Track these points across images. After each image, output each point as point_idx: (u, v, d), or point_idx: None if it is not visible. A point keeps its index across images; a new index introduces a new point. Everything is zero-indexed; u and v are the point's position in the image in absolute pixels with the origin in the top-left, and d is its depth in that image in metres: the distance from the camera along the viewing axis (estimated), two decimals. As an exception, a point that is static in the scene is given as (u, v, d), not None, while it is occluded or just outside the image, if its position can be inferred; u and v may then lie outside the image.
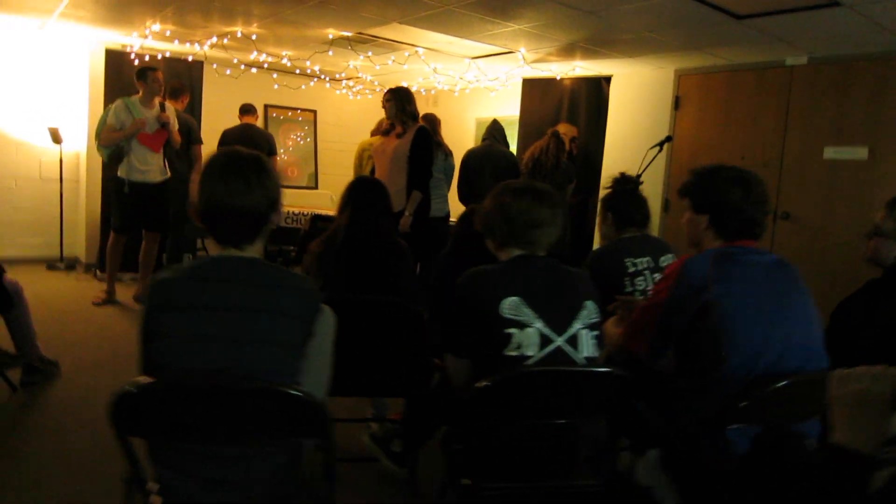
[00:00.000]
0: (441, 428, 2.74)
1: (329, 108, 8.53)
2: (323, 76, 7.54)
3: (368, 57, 5.90)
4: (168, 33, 5.75)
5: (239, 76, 6.90)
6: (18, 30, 6.26)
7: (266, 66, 6.84)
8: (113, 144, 5.23)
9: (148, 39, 6.01)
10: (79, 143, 6.72)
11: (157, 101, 5.37)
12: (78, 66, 6.60)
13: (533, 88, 6.25)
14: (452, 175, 5.90)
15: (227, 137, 6.25)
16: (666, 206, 5.98)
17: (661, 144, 5.26)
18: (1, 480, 2.58)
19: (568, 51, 5.57)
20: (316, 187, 8.39)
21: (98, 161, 6.38)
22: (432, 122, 5.70)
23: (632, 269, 2.91)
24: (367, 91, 8.26)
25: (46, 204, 6.75)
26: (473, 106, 8.07)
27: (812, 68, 5.09)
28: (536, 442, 1.90)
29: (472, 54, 5.98)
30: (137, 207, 5.32)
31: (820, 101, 5.04)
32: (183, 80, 6.41)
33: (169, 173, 5.56)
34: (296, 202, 7.25)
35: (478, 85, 7.26)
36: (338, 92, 8.18)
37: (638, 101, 6.13)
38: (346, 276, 2.59)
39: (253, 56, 6.41)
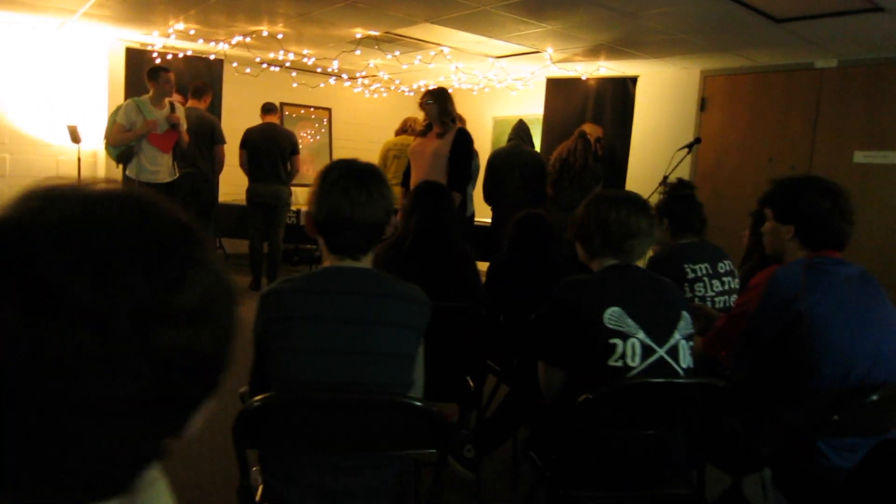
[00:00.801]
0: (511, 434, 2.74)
1: (344, 107, 8.50)
2: (343, 75, 7.51)
3: (396, 56, 5.88)
4: (192, 32, 5.71)
5: (258, 74, 6.86)
6: (37, 29, 6.19)
7: (288, 64, 6.81)
8: (122, 144, 5.19)
9: (170, 38, 5.96)
10: (97, 142, 6.66)
11: (166, 101, 5.33)
12: (97, 64, 6.55)
13: (557, 88, 6.25)
14: (477, 175, 5.90)
15: (251, 136, 6.21)
16: (691, 207, 5.99)
17: (690, 146, 5.28)
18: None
19: (595, 51, 5.57)
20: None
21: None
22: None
23: (691, 276, 2.91)
24: (382, 89, 8.22)
25: (64, 203, 6.68)
26: (491, 105, 8.06)
27: (841, 71, 5.11)
28: (631, 451, 1.89)
29: (497, 54, 5.97)
30: None
31: (850, 104, 5.06)
32: (204, 78, 6.37)
33: (178, 173, 5.52)
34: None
35: (495, 84, 7.24)
36: (356, 90, 8.14)
37: (663, 101, 6.14)
38: (418, 282, 2.58)
39: (272, 55, 6.38)
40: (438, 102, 4.73)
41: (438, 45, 5.70)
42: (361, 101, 8.52)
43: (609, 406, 1.77)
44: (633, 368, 1.81)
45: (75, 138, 6.47)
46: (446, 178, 4.68)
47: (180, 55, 6.33)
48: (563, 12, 4.42)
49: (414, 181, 4.95)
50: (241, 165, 6.36)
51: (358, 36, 5.44)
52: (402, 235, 2.71)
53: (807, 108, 5.30)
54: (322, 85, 7.54)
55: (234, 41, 5.85)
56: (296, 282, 1.58)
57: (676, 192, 3.09)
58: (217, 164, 6.05)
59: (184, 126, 5.38)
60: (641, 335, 1.82)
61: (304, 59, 6.60)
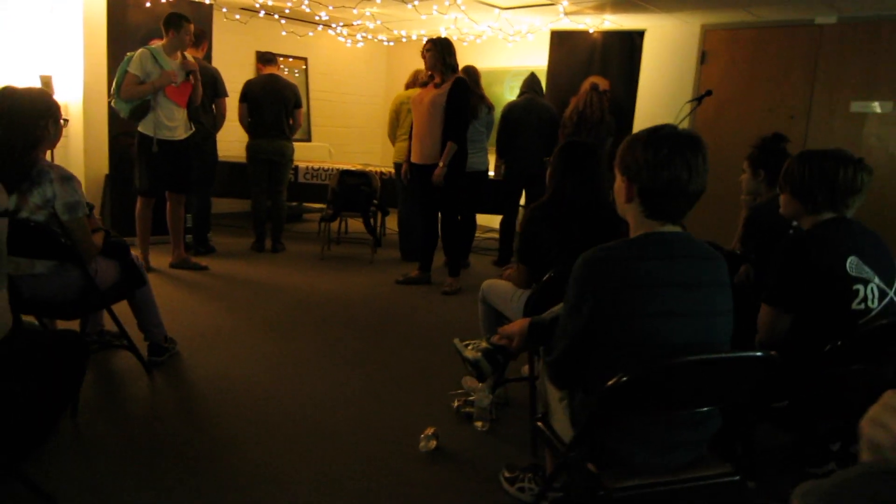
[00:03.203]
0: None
1: (320, 56, 8.19)
2: (333, 24, 7.20)
3: (415, 6, 5.73)
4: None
5: (247, 21, 6.49)
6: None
7: (275, 14, 6.47)
8: (137, 98, 4.81)
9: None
10: (72, 94, 6.14)
11: (179, 52, 4.99)
12: (71, 10, 5.97)
13: (562, 41, 6.30)
14: (492, 129, 5.93)
15: (252, 89, 5.92)
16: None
17: (699, 99, 5.49)
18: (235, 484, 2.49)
19: (605, 4, 5.66)
20: (309, 140, 8.10)
21: (99, 115, 5.90)
22: (472, 74, 5.66)
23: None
24: (359, 39, 7.97)
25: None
26: (478, 57, 8.00)
27: (840, 27, 5.47)
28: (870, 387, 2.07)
29: (506, 5, 5.94)
30: (166, 167, 4.98)
31: (849, 58, 5.44)
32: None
33: (193, 128, 5.21)
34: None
35: (490, 36, 7.18)
36: (339, 39, 7.82)
37: (665, 55, 6.35)
38: (582, 243, 2.63)
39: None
40: (437, 51, 4.74)
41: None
42: (337, 50, 8.23)
43: (858, 347, 1.95)
44: (871, 310, 1.99)
45: (48, 90, 5.94)
46: (442, 127, 4.72)
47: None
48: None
49: (414, 132, 4.97)
50: (241, 120, 6.07)
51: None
52: (556, 196, 2.73)
53: (806, 62, 5.66)
54: (311, 34, 7.23)
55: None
56: (622, 249, 1.62)
57: (772, 146, 3.27)
58: (219, 119, 5.73)
59: (198, 77, 5.06)
60: (877, 280, 2.00)
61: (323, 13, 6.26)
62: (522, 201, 6.10)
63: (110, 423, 2.73)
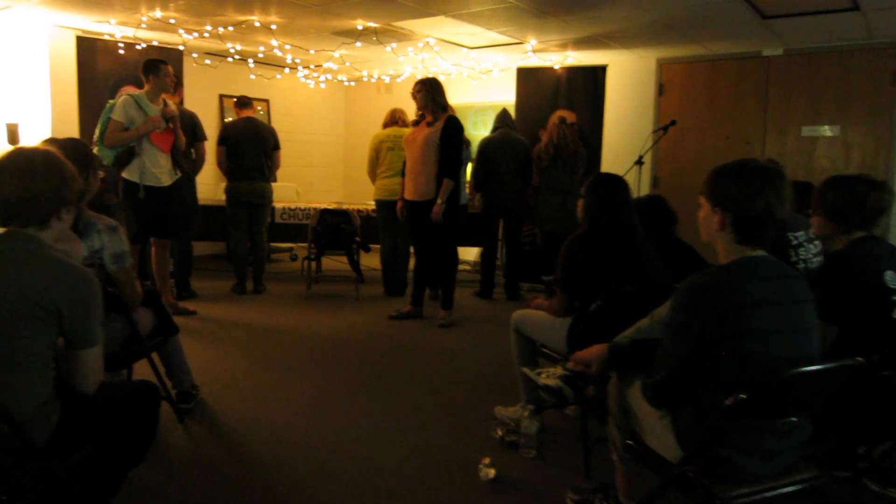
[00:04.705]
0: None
1: (281, 98, 8.22)
2: (301, 67, 7.26)
3: (394, 49, 5.87)
4: (173, 20, 5.33)
5: (217, 66, 6.49)
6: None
7: (238, 56, 6.49)
8: (121, 145, 4.77)
9: (140, 27, 5.50)
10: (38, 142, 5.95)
11: (162, 97, 4.97)
12: (37, 55, 5.83)
13: (528, 77, 6.57)
14: (468, 163, 6.10)
15: (232, 132, 5.93)
16: (655, 182, 6.64)
17: (665, 128, 5.84)
18: None
19: (568, 42, 5.97)
20: (274, 180, 8.05)
21: (69, 163, 5.75)
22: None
23: (794, 242, 3.40)
24: (320, 78, 8.04)
25: None
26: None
27: (786, 58, 5.95)
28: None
29: (475, 44, 6.17)
30: (152, 213, 4.91)
31: (796, 86, 5.91)
32: (168, 71, 5.92)
33: (178, 174, 5.17)
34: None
35: (458, 74, 7.37)
36: (301, 80, 7.88)
37: (625, 88, 6.71)
38: (626, 271, 2.79)
39: (234, 47, 6.07)
40: (427, 91, 4.89)
41: (427, 35, 5.78)
42: (297, 91, 8.29)
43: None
44: (910, 319, 2.22)
45: (14, 139, 5.76)
46: (436, 165, 4.87)
47: (141, 46, 5.82)
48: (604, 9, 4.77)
49: (408, 169, 5.07)
50: (219, 163, 6.04)
51: (360, 27, 5.39)
52: (592, 227, 2.87)
53: (757, 91, 6.11)
54: (279, 76, 7.27)
55: (207, 32, 5.52)
56: (723, 274, 1.79)
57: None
58: (199, 163, 5.68)
59: (178, 122, 5.03)
60: (910, 292, 2.24)
61: (272, 50, 6.34)
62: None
63: (160, 472, 2.68)
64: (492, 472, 2.69)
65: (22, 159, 1.83)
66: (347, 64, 6.91)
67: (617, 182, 2.94)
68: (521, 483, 2.70)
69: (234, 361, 4.16)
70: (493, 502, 2.55)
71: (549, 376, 2.28)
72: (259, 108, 8.03)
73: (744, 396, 1.64)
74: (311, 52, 6.28)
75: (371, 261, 6.87)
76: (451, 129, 4.92)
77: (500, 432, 3.08)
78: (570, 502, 2.48)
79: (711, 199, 1.85)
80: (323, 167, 9.08)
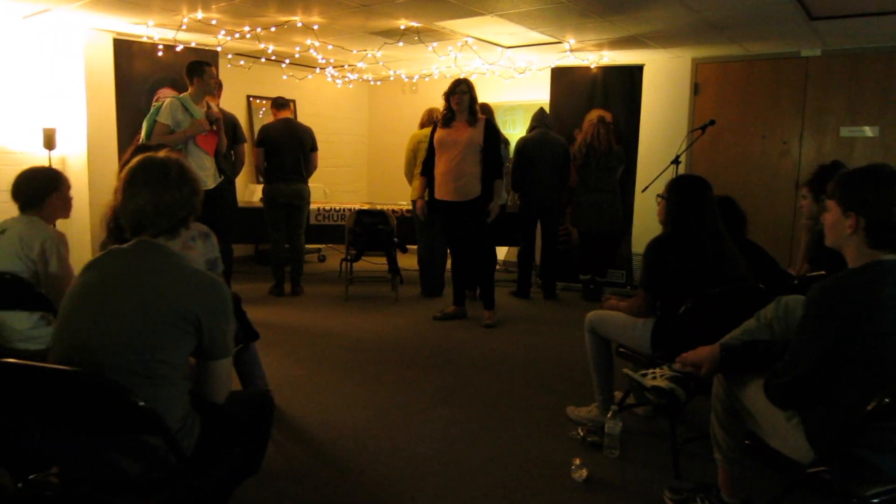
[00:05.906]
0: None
1: (307, 98, 8.21)
2: (347, 66, 7.24)
3: (434, 48, 5.87)
4: (214, 22, 5.31)
5: (250, 67, 6.48)
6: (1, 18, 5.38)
7: (274, 56, 6.48)
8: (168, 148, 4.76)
9: (181, 29, 5.48)
10: (73, 148, 5.94)
11: (205, 99, 4.96)
12: (72, 59, 5.81)
13: (562, 77, 6.57)
14: (506, 163, 6.10)
15: (270, 133, 5.91)
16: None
17: (703, 127, 5.83)
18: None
19: (608, 42, 5.97)
20: (306, 181, 8.09)
21: (105, 167, 5.73)
22: (487, 110, 5.83)
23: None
24: (342, 78, 8.03)
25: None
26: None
27: (825, 59, 5.95)
28: None
29: (512, 44, 6.16)
30: (198, 217, 4.90)
31: (834, 87, 5.92)
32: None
33: (221, 177, 5.16)
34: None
35: (490, 73, 7.36)
36: (328, 80, 7.87)
37: (660, 88, 6.71)
38: (714, 273, 2.78)
39: (271, 48, 6.06)
40: (473, 93, 4.92)
41: (466, 35, 5.77)
42: (322, 91, 8.28)
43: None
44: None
45: (50, 143, 5.73)
46: (479, 165, 4.89)
47: (179, 48, 5.81)
48: (651, 10, 4.77)
49: (444, 170, 5.00)
50: (257, 165, 6.04)
51: (402, 27, 5.38)
52: (679, 229, 2.87)
53: (795, 91, 6.11)
54: (310, 77, 7.26)
55: (247, 33, 5.51)
56: (857, 277, 1.80)
57: (831, 173, 3.55)
58: (238, 165, 5.67)
59: (222, 125, 5.03)
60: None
61: (308, 51, 6.33)
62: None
63: (252, 481, 2.66)
64: (584, 473, 2.69)
65: (156, 167, 1.81)
66: (381, 63, 6.89)
67: (700, 183, 2.93)
68: (612, 483, 2.70)
69: (293, 367, 4.15)
70: (593, 501, 2.55)
71: (655, 377, 2.28)
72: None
73: (888, 400, 1.65)
74: (354, 51, 6.26)
75: (406, 261, 6.86)
76: (491, 130, 4.98)
77: (580, 433, 3.08)
78: (669, 502, 2.48)
79: (844, 203, 1.85)
80: (348, 167, 9.08)
